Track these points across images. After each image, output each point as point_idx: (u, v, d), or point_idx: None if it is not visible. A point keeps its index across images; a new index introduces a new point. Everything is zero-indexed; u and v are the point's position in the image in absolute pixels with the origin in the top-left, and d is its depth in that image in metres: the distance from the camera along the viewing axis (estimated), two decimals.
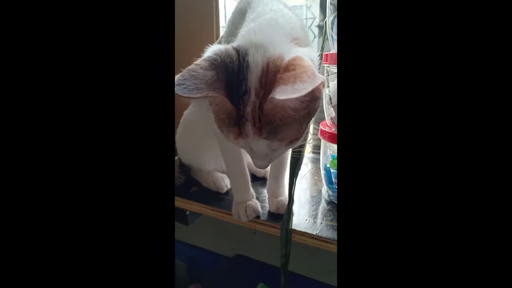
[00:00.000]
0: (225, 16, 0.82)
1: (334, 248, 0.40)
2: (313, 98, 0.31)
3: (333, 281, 0.68)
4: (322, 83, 0.28)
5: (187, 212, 0.53)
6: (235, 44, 0.33)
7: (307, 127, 0.34)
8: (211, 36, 0.78)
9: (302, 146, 0.44)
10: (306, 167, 0.66)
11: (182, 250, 0.86)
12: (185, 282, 0.86)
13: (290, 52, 0.31)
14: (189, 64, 0.61)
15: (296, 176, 0.43)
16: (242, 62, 0.31)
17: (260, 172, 0.57)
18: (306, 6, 0.68)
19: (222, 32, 0.79)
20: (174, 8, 0.30)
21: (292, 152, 0.43)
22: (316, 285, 0.69)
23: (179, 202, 0.51)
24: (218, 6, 0.78)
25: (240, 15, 0.39)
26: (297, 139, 0.33)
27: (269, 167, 0.45)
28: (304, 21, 0.70)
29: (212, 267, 0.82)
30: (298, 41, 0.34)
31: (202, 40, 0.72)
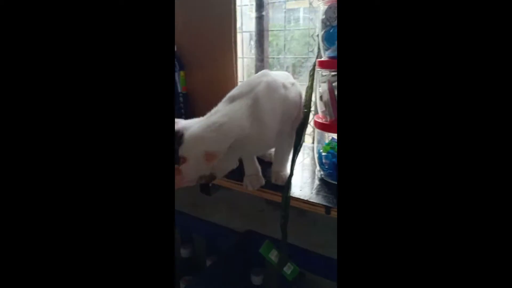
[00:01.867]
0: (241, 23, 0.95)
1: (320, 210, 0.52)
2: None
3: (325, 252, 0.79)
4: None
5: (210, 185, 0.66)
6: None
7: None
8: (229, 41, 0.89)
9: (302, 133, 0.56)
10: (308, 155, 0.78)
11: (200, 226, 1.00)
12: (203, 255, 0.99)
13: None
14: (209, 64, 0.76)
15: (296, 155, 0.55)
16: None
17: (265, 157, 0.70)
18: (309, 18, 0.80)
19: (239, 36, 0.91)
20: (174, 9, 0.31)
21: (296, 137, 0.56)
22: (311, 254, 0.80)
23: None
24: (236, 12, 0.90)
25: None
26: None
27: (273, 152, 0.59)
28: (307, 30, 0.81)
29: (226, 241, 0.95)
30: (212, 157, 0.42)
31: (222, 45, 0.85)
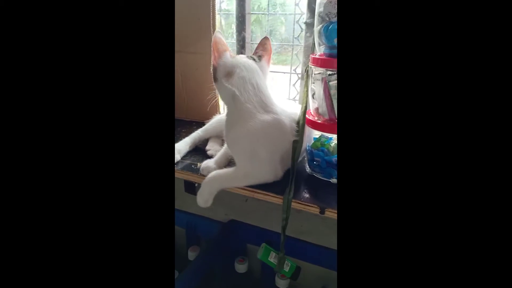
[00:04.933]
0: (220, 4, 0.88)
1: (314, 210, 0.52)
2: None
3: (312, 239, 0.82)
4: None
5: (196, 184, 0.63)
6: None
7: None
8: (208, 23, 0.83)
9: (300, 133, 0.55)
10: None
11: (181, 217, 0.98)
12: (184, 246, 0.98)
13: None
14: (187, 49, 0.78)
15: (297, 158, 0.55)
16: None
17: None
18: (295, 3, 0.75)
19: (218, 19, 0.85)
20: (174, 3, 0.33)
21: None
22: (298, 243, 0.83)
23: (189, 176, 0.61)
24: None
25: None
26: None
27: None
28: (292, 16, 0.78)
29: (208, 231, 0.94)
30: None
31: (199, 28, 0.78)
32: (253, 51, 0.61)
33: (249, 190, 0.57)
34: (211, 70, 0.58)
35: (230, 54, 0.57)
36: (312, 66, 0.54)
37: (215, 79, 0.57)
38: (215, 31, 0.55)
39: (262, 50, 0.59)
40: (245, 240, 0.91)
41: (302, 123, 0.55)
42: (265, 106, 0.54)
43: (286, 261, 0.56)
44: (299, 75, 0.82)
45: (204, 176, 0.58)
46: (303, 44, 0.77)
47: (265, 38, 0.59)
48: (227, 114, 0.58)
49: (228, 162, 0.61)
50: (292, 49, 0.81)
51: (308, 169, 0.62)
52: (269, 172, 0.55)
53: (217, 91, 0.59)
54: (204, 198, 0.58)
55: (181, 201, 0.98)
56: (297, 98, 0.84)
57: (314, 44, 0.55)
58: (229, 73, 0.55)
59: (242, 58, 0.58)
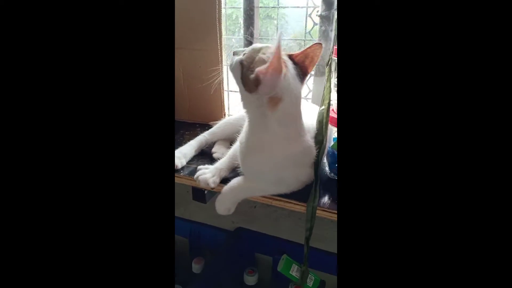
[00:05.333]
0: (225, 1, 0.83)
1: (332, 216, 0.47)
2: None
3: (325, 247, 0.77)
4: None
5: (205, 192, 0.57)
6: None
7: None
8: (213, 18, 0.78)
9: (323, 136, 0.50)
10: None
11: (183, 226, 0.91)
12: (188, 257, 0.91)
13: None
14: (190, 46, 0.70)
15: (320, 160, 0.50)
16: None
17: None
18: None
19: (224, 14, 0.80)
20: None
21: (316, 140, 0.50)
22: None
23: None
24: None
25: None
26: None
27: None
28: (305, 9, 0.73)
29: (214, 241, 0.88)
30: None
31: (203, 23, 0.73)
32: (298, 53, 0.47)
33: (267, 197, 0.52)
34: (247, 73, 0.44)
35: (285, 73, 0.43)
36: (336, 59, 0.49)
37: (250, 90, 0.44)
38: (317, 44, 0.44)
39: (309, 61, 0.47)
40: (253, 249, 0.85)
41: (326, 121, 0.50)
42: (297, 136, 0.47)
43: (309, 275, 0.51)
44: (312, 73, 0.77)
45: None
46: (316, 39, 0.72)
47: (317, 45, 0.46)
48: (251, 132, 0.48)
49: (231, 172, 0.56)
50: (304, 44, 0.76)
51: (328, 172, 0.57)
52: (299, 184, 0.51)
53: (243, 98, 0.47)
54: (226, 207, 0.53)
55: (183, 208, 0.92)
56: (310, 96, 0.79)
57: (336, 36, 0.50)
58: (274, 98, 0.44)
59: (293, 82, 0.45)
